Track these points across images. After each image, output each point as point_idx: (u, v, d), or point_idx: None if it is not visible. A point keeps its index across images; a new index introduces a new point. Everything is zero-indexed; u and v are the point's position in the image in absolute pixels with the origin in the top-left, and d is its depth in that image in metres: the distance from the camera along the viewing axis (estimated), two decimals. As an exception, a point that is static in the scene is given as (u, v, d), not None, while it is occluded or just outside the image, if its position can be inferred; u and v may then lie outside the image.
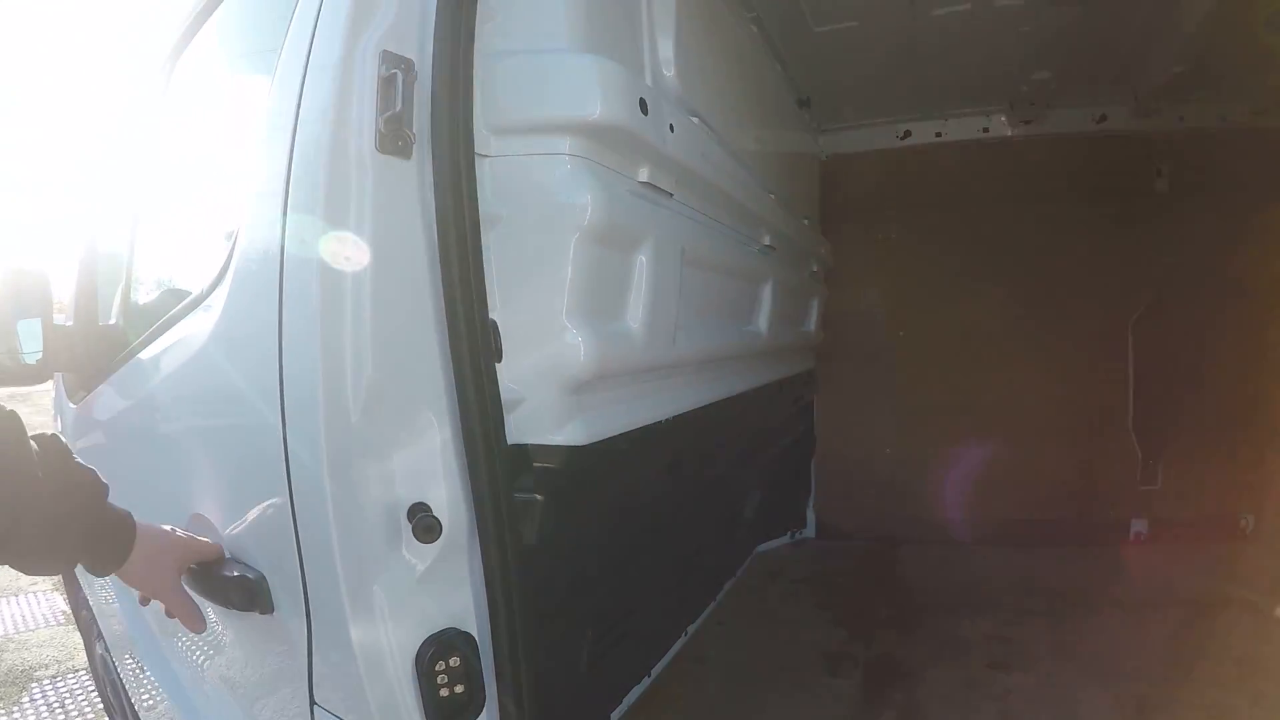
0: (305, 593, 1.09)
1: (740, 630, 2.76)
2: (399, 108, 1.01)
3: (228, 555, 1.24)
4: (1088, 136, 3.42)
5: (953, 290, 3.59)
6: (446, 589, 1.11)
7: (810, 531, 3.86)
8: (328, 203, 0.99)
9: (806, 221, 3.17)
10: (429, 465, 1.08)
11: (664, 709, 2.24)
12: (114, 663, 2.27)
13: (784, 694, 2.30)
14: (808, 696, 2.29)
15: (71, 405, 2.17)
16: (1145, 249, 3.39)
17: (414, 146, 1.05)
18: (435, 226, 1.05)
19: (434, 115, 1.04)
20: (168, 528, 1.17)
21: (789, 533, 3.80)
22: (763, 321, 2.51)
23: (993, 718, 2.11)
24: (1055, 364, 3.50)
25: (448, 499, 1.09)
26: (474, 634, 1.13)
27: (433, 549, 1.07)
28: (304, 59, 1.07)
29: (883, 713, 2.17)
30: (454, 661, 1.10)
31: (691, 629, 2.71)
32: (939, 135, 3.56)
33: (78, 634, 3.25)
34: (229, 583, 1.19)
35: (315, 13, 1.08)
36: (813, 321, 3.35)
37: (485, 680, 1.12)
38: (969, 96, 3.34)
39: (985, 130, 3.52)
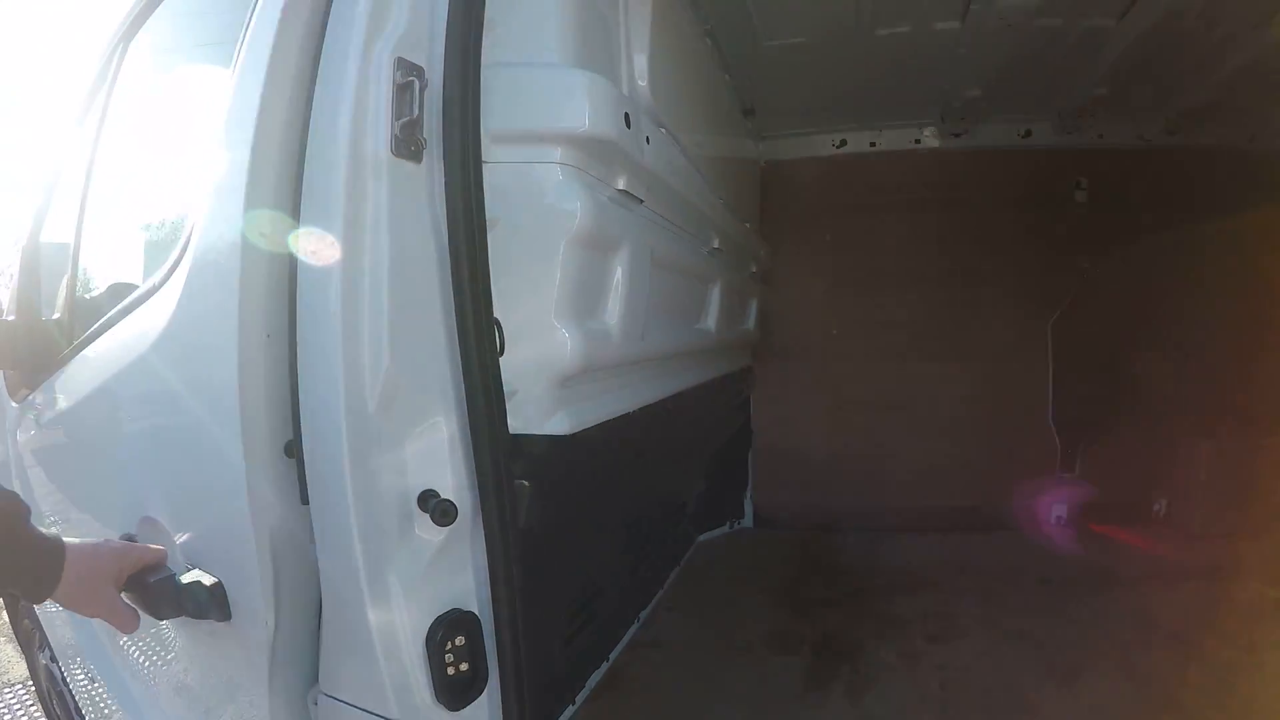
0: (318, 581, 1.13)
1: (689, 615, 2.86)
2: (415, 114, 1.06)
3: (182, 561, 1.24)
4: (1013, 150, 3.66)
5: (884, 291, 3.78)
6: (451, 572, 1.17)
7: (748, 521, 3.99)
8: (347, 202, 1.03)
9: (748, 225, 3.30)
10: (437, 454, 1.14)
11: (624, 691, 2.31)
12: (62, 673, 2.20)
13: (737, 672, 2.41)
14: (759, 673, 2.40)
15: (14, 404, 2.10)
16: (1064, 255, 3.65)
17: (424, 151, 1.11)
18: (444, 228, 1.11)
19: (445, 122, 1.09)
20: (101, 540, 1.14)
21: (728, 523, 3.93)
22: (711, 319, 2.63)
23: (934, 686, 2.27)
24: (981, 361, 3.73)
25: (454, 486, 1.15)
26: (477, 614, 1.19)
27: (443, 534, 1.13)
28: (311, 58, 1.11)
29: (831, 685, 2.30)
30: (459, 641, 1.15)
31: (643, 615, 2.81)
32: (873, 145, 3.74)
33: (14, 645, 3.08)
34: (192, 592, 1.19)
35: (323, 13, 1.11)
36: (751, 320, 3.48)
37: (488, 658, 1.19)
38: (903, 109, 3.52)
39: (917, 141, 3.71)
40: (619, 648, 2.56)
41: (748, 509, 4.01)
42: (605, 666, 2.43)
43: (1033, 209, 3.66)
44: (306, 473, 1.08)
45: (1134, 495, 3.60)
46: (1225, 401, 3.40)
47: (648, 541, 2.82)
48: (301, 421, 1.07)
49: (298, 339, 1.08)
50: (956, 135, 3.65)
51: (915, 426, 3.75)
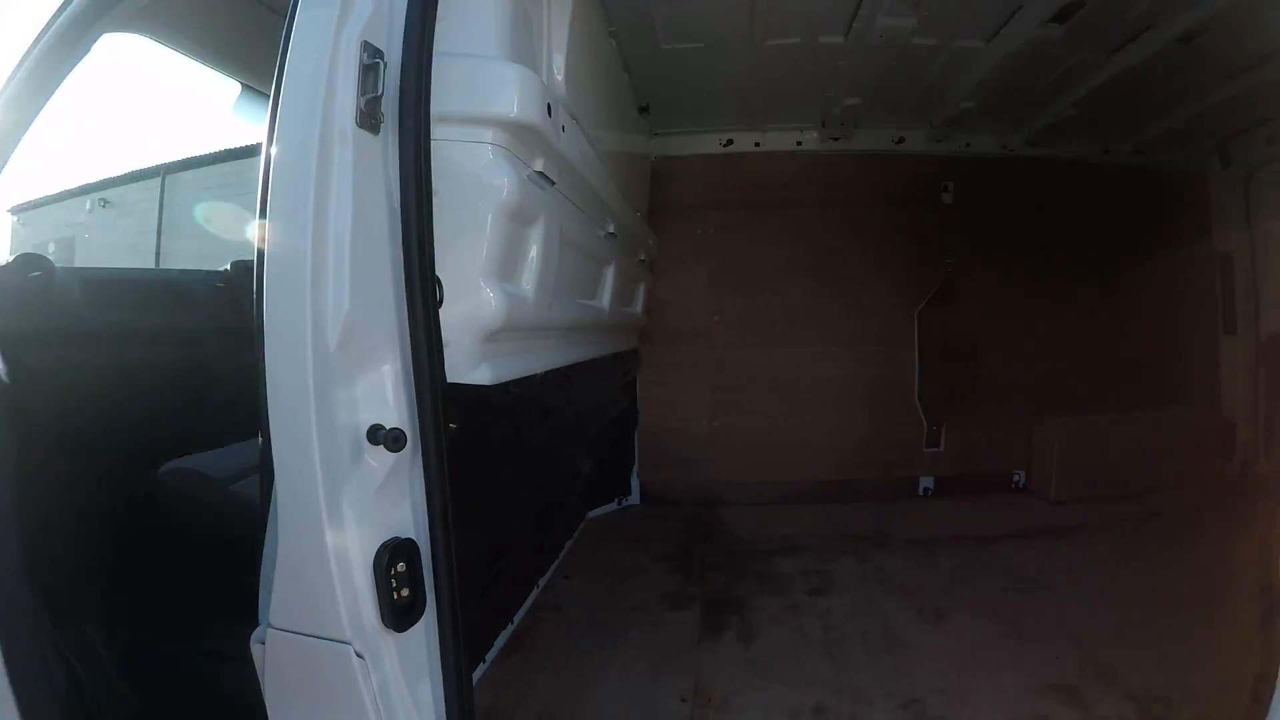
0: (274, 510, 1.25)
1: (586, 581, 3.07)
2: (380, 91, 1.22)
3: None
4: (887, 154, 4.07)
5: (765, 280, 4.11)
6: (393, 502, 1.31)
7: (635, 498, 4.24)
8: (319, 165, 1.18)
9: (639, 214, 3.54)
10: (384, 392, 1.29)
11: (530, 650, 2.49)
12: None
13: (635, 629, 2.62)
14: (656, 629, 2.63)
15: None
16: (931, 250, 4.09)
17: (382, 125, 1.26)
18: (396, 193, 1.27)
19: (401, 101, 1.25)
20: None
21: (616, 499, 4.17)
22: (605, 299, 2.85)
23: (818, 630, 2.57)
24: (854, 345, 4.12)
25: (396, 422, 1.29)
26: (416, 541, 1.34)
27: (389, 464, 1.28)
28: (284, 35, 1.23)
29: (723, 634, 2.57)
30: (400, 567, 1.29)
31: (542, 582, 3.00)
32: (757, 145, 4.06)
33: None
34: None
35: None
36: (640, 304, 3.71)
37: (425, 586, 1.33)
38: (787, 113, 3.84)
39: (799, 144, 4.06)
40: (522, 610, 2.73)
41: (634, 486, 4.25)
42: (510, 628, 2.60)
43: (904, 208, 4.08)
44: (269, 406, 1.21)
45: (995, 467, 4.11)
46: (1073, 383, 3.97)
47: (548, 508, 3.01)
48: (266, 357, 1.20)
49: (265, 279, 1.20)
50: (835, 139, 4.02)
51: (793, 407, 4.10)
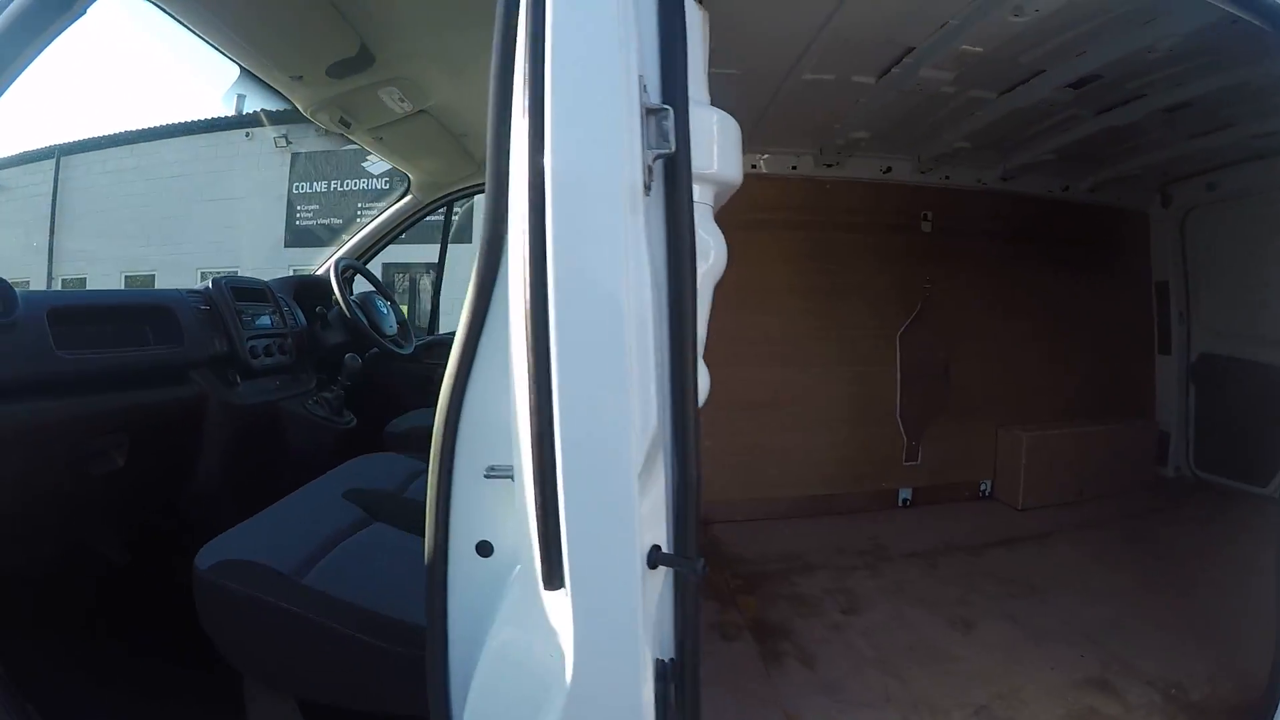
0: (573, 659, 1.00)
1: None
2: (674, 149, 0.97)
3: None
4: (875, 182, 4.05)
5: (757, 301, 3.97)
6: (661, 620, 1.11)
7: None
8: (626, 242, 0.93)
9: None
10: (658, 506, 1.06)
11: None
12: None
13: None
14: (720, 660, 2.47)
15: None
16: (911, 275, 4.10)
17: (652, 185, 1.02)
18: (663, 270, 1.04)
19: (676, 158, 1.01)
20: None
21: None
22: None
23: (868, 650, 2.52)
24: (842, 365, 4.08)
25: (666, 539, 1.08)
26: (679, 661, 1.12)
27: (658, 585, 1.06)
28: (530, 37, 0.94)
29: (784, 661, 2.47)
30: (670, 692, 1.09)
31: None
32: (754, 168, 3.93)
33: None
34: None
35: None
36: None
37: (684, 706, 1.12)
38: (788, 139, 3.75)
39: (794, 168, 3.97)
40: None
41: (628, 509, 4.03)
42: None
43: (888, 234, 4.08)
44: (569, 550, 0.95)
45: (964, 478, 4.22)
46: (1030, 398, 4.14)
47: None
48: (564, 481, 0.94)
49: (559, 382, 0.93)
50: (829, 166, 3.96)
51: (782, 425, 4.01)
